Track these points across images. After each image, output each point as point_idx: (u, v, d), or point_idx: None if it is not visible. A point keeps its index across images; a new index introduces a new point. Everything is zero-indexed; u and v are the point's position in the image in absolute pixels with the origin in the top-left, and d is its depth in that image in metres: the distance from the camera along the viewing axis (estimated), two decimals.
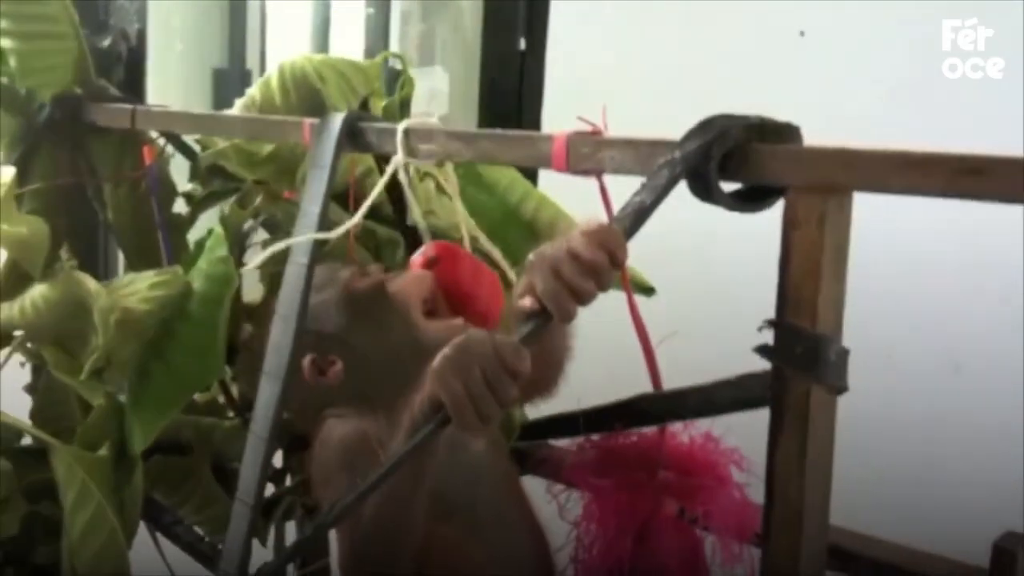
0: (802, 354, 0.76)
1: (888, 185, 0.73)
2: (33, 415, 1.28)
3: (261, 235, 1.26)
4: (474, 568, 0.94)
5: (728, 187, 0.81)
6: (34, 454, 1.12)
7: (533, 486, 1.08)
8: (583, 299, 0.73)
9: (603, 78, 1.88)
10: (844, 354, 0.78)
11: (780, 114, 0.81)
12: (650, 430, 1.02)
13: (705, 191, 0.79)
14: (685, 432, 0.99)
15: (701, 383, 0.95)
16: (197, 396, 1.40)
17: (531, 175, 1.37)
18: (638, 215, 0.77)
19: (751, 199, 0.82)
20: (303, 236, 0.94)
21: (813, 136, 0.80)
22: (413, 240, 1.21)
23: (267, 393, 0.88)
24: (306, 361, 0.96)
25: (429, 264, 1.05)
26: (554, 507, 1.07)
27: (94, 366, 1.04)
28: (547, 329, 0.75)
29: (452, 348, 0.73)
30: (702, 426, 0.98)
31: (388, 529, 0.82)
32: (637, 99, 1.50)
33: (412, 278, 1.02)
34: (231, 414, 1.34)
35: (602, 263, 0.72)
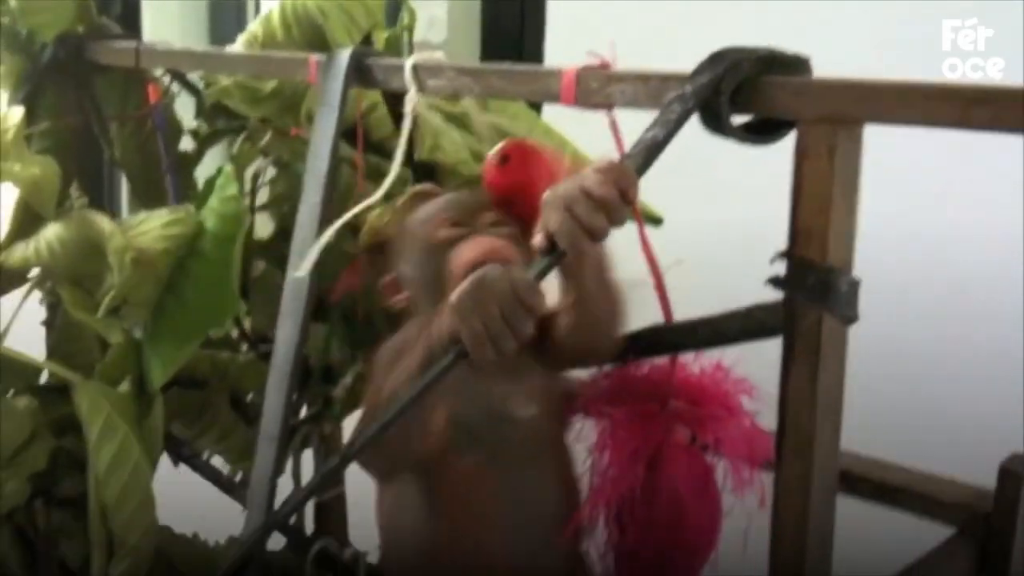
0: (813, 285, 0.78)
1: (898, 117, 0.74)
2: (51, 351, 1.30)
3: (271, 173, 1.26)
4: (488, 500, 0.95)
5: (740, 120, 0.82)
6: (56, 390, 1.14)
7: None
8: (596, 236, 0.74)
9: (605, 5, 1.87)
10: (855, 285, 0.79)
11: None
12: (661, 360, 1.04)
13: (716, 124, 0.80)
14: (695, 363, 1.00)
15: (711, 314, 0.97)
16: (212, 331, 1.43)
17: (536, 106, 1.37)
18: (650, 150, 0.78)
19: (763, 132, 0.83)
20: (312, 181, 0.94)
21: None
22: (421, 176, 1.22)
23: (287, 330, 0.90)
24: (388, 278, 1.00)
25: (499, 164, 1.01)
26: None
27: (110, 305, 1.05)
28: (560, 264, 0.77)
29: (470, 283, 0.75)
30: (713, 356, 0.99)
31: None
32: (639, 29, 1.49)
33: (469, 247, 0.95)
34: (245, 348, 1.37)
35: (614, 199, 0.73)
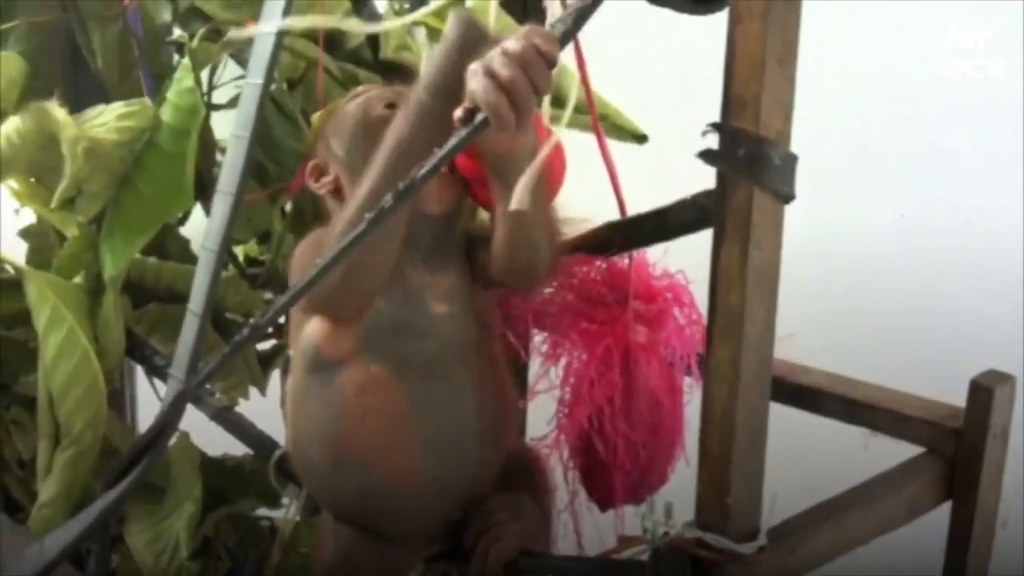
0: (744, 157, 0.74)
1: None
2: (28, 258, 1.30)
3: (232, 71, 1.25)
4: (390, 413, 0.92)
5: None
6: (12, 284, 1.14)
7: None
8: (515, 95, 0.71)
9: None
10: (791, 159, 0.76)
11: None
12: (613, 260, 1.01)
13: None
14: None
15: (658, 207, 0.94)
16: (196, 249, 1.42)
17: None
18: (581, 13, 0.75)
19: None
20: (256, 62, 0.92)
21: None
22: (390, 79, 1.20)
23: (221, 209, 0.88)
24: (310, 164, 0.98)
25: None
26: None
27: (63, 195, 1.05)
28: (484, 133, 0.74)
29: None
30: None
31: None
32: None
33: None
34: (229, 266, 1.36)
35: (528, 53, 0.70)
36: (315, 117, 1.04)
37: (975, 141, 1.56)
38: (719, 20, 0.81)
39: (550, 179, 0.92)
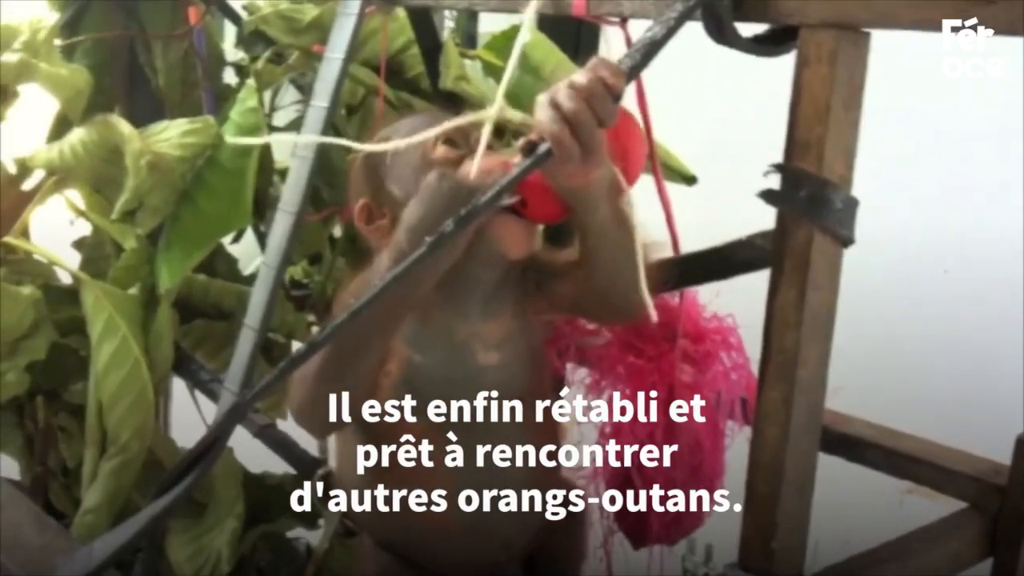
0: (806, 199, 0.74)
1: (899, 21, 0.71)
2: (82, 269, 1.32)
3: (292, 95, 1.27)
4: (430, 458, 0.90)
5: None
6: (68, 292, 1.15)
7: None
8: (578, 125, 0.72)
9: None
10: (852, 203, 0.76)
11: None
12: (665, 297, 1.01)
13: (718, 31, 0.77)
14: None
15: (715, 245, 0.94)
16: (243, 267, 1.44)
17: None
18: (649, 49, 0.76)
19: (771, 43, 0.80)
20: (322, 86, 0.94)
21: None
22: (448, 109, 1.21)
23: (281, 227, 0.90)
24: (360, 203, 0.93)
25: None
26: None
27: (124, 207, 1.07)
28: (546, 164, 0.74)
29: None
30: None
31: (350, 344, 0.81)
32: None
33: (483, 171, 0.88)
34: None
35: (594, 87, 0.71)
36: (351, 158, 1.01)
37: (975, 140, 1.55)
38: (776, 63, 0.82)
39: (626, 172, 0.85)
